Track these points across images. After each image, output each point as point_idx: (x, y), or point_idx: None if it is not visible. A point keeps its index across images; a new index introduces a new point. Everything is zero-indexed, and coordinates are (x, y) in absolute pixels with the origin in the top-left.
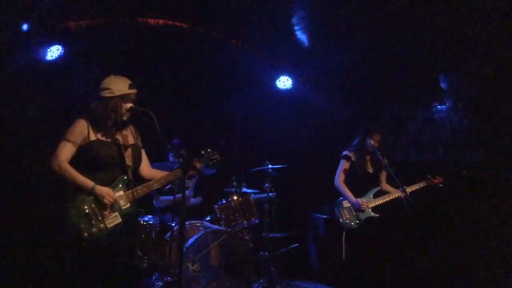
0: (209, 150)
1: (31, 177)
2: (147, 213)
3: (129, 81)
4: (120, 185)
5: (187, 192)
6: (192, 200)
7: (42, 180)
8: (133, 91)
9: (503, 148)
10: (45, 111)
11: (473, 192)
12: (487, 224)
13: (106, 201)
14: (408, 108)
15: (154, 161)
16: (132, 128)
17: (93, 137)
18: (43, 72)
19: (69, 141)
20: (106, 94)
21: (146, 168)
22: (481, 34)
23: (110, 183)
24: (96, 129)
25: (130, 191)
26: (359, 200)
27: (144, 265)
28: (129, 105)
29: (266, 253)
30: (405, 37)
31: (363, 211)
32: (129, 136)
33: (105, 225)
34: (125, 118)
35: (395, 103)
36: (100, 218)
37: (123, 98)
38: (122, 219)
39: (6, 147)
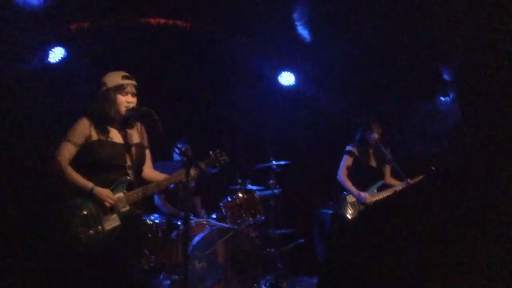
0: (217, 150)
1: (33, 180)
2: (153, 212)
3: (123, 73)
4: (121, 187)
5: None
6: (200, 211)
7: (44, 182)
8: (128, 81)
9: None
10: (49, 114)
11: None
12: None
13: (105, 203)
14: (411, 101)
15: (159, 160)
16: (139, 126)
17: (95, 136)
18: (47, 74)
19: (69, 141)
20: (101, 89)
21: (147, 169)
22: (485, 25)
23: (111, 184)
24: (99, 128)
25: (130, 193)
26: (362, 193)
27: (151, 265)
28: (130, 98)
29: (273, 250)
30: (408, 29)
31: (368, 204)
32: (134, 134)
33: (103, 227)
34: (123, 112)
35: (398, 96)
36: (98, 220)
37: (117, 89)
38: (120, 222)
39: (10, 150)
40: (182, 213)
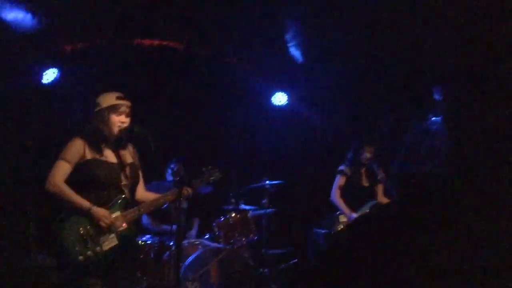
0: (210, 167)
1: (28, 200)
2: (141, 233)
3: (117, 94)
4: (117, 206)
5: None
6: (192, 233)
7: (40, 202)
8: (122, 102)
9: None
10: (42, 134)
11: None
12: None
13: (102, 223)
14: (404, 121)
15: (151, 181)
16: (131, 147)
17: (89, 156)
18: (40, 95)
19: (65, 160)
20: (96, 109)
21: (140, 190)
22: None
23: (107, 203)
24: (93, 148)
25: (127, 211)
26: (354, 214)
27: (144, 285)
28: (123, 118)
29: (266, 270)
30: (400, 50)
31: None
32: (127, 155)
33: (101, 247)
34: (116, 132)
35: (391, 116)
36: (95, 240)
37: (111, 109)
38: (118, 241)
39: (3, 171)
40: (172, 228)
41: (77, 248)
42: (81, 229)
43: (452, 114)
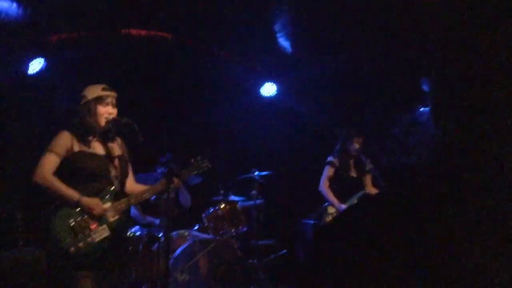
0: (198, 158)
1: (14, 192)
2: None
3: (103, 85)
4: (108, 196)
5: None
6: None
7: (27, 194)
8: (108, 93)
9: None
10: (27, 126)
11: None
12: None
13: (94, 212)
14: (392, 112)
15: (139, 172)
16: (119, 140)
17: (77, 148)
18: (25, 86)
19: (53, 152)
20: (81, 101)
21: (129, 182)
22: (464, 36)
23: (97, 194)
24: (80, 141)
25: (118, 202)
26: (343, 205)
27: (132, 277)
28: (110, 109)
29: (255, 261)
30: (388, 40)
31: None
32: (115, 147)
33: (93, 239)
34: (103, 123)
35: (379, 107)
36: (87, 232)
37: (97, 100)
38: (110, 232)
39: None
40: (156, 222)
41: (68, 240)
42: (71, 220)
43: (439, 103)
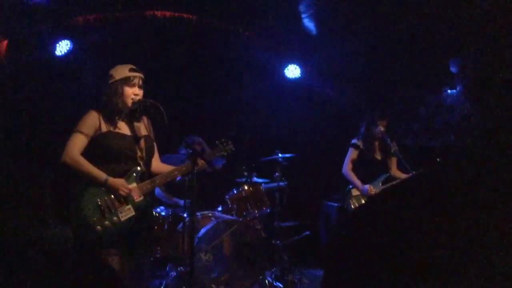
0: (223, 140)
1: (43, 173)
2: (159, 204)
3: (130, 66)
4: (133, 177)
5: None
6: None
7: (55, 175)
8: (135, 74)
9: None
10: (56, 107)
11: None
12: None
13: (121, 192)
14: (418, 94)
15: (164, 153)
16: (146, 120)
17: (104, 128)
18: (53, 67)
19: (81, 132)
20: (109, 81)
21: (155, 162)
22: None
23: (123, 175)
24: (108, 121)
25: (143, 183)
26: (366, 186)
27: (158, 255)
28: (136, 90)
29: (278, 242)
30: (414, 21)
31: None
32: (142, 127)
33: (119, 218)
34: (130, 104)
35: (406, 89)
36: (113, 211)
37: (125, 81)
38: (135, 212)
39: (19, 143)
40: (181, 202)
41: (95, 219)
42: (99, 200)
43: (473, 85)
